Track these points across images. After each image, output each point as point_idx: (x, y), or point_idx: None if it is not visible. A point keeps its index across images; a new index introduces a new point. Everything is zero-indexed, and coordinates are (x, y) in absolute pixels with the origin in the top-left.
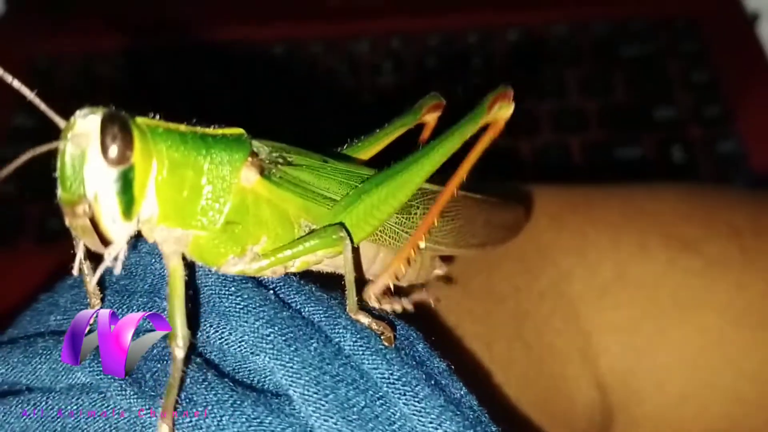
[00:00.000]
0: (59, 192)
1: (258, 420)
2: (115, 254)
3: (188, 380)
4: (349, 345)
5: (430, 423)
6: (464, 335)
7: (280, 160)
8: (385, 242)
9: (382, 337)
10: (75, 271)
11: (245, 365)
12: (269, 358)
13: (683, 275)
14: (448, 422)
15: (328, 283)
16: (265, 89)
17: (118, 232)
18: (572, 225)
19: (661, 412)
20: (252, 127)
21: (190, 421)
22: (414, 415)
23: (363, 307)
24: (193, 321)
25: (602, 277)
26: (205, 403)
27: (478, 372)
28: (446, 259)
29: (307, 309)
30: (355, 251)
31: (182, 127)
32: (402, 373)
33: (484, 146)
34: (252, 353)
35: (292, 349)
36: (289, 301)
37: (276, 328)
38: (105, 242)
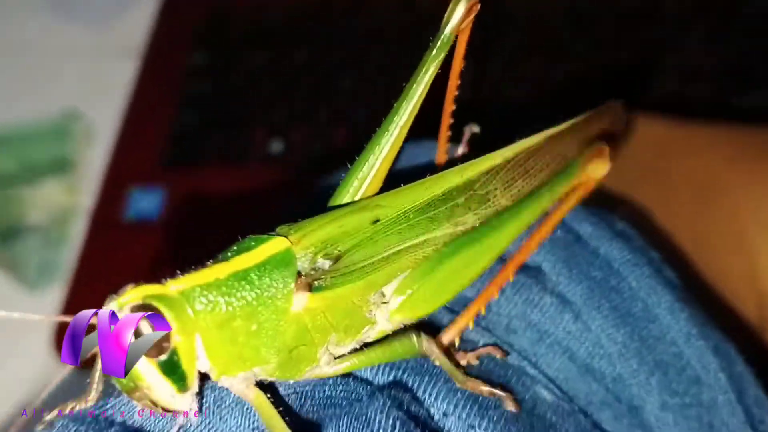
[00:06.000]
0: (113, 382)
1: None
2: (191, 414)
3: None
4: (588, 231)
5: (654, 296)
6: None
7: (328, 262)
8: None
9: None
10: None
11: None
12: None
13: None
14: (668, 295)
15: None
16: None
17: (180, 402)
18: (743, 164)
19: None
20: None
21: None
22: (641, 290)
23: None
24: None
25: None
26: None
27: None
28: None
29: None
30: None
31: (221, 272)
32: (632, 255)
33: (570, 207)
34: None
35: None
36: None
37: None
38: (170, 411)
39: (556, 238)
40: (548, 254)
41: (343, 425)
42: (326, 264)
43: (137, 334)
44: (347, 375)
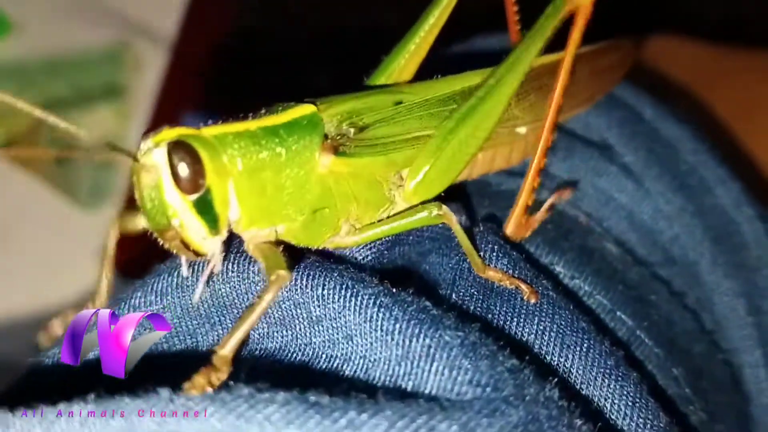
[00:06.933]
0: (146, 221)
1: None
2: (213, 263)
3: None
4: (650, 113)
5: (709, 170)
6: None
7: (352, 130)
8: (495, 144)
9: None
10: (184, 272)
11: None
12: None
13: None
14: (721, 170)
15: None
16: None
17: (210, 245)
18: None
19: None
20: None
21: None
22: (698, 165)
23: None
24: None
25: None
26: None
27: None
28: None
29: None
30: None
31: (252, 125)
32: (689, 135)
33: (579, 36)
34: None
35: (609, 108)
36: None
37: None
38: (199, 254)
39: (623, 117)
40: (614, 131)
41: (442, 252)
42: (351, 132)
43: (173, 169)
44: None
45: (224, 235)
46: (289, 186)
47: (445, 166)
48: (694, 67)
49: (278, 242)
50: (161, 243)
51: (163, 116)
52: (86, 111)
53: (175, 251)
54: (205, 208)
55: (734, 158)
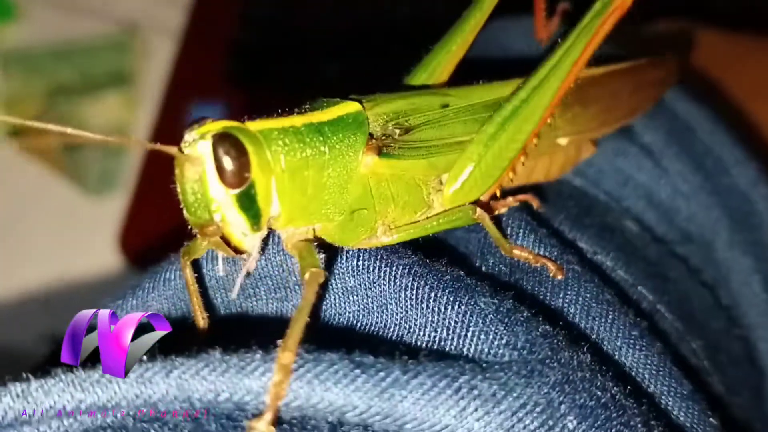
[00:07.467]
0: (186, 215)
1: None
2: (253, 261)
3: None
4: (668, 95)
5: (726, 151)
6: None
7: (397, 131)
8: (536, 154)
9: None
10: (221, 272)
11: None
12: None
13: None
14: (738, 150)
15: None
16: None
17: (250, 242)
18: None
19: None
20: None
21: None
22: (714, 145)
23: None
24: None
25: None
26: None
27: None
28: None
29: None
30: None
31: (297, 121)
32: (706, 116)
33: (605, 34)
34: None
35: None
36: None
37: None
38: (239, 251)
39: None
40: (646, 125)
41: (469, 228)
42: (396, 133)
43: (217, 162)
44: None
45: (264, 232)
46: (330, 185)
47: (484, 172)
48: (710, 51)
49: (314, 239)
50: (200, 239)
51: (171, 104)
52: (93, 98)
53: (213, 248)
54: (248, 203)
55: (749, 139)
